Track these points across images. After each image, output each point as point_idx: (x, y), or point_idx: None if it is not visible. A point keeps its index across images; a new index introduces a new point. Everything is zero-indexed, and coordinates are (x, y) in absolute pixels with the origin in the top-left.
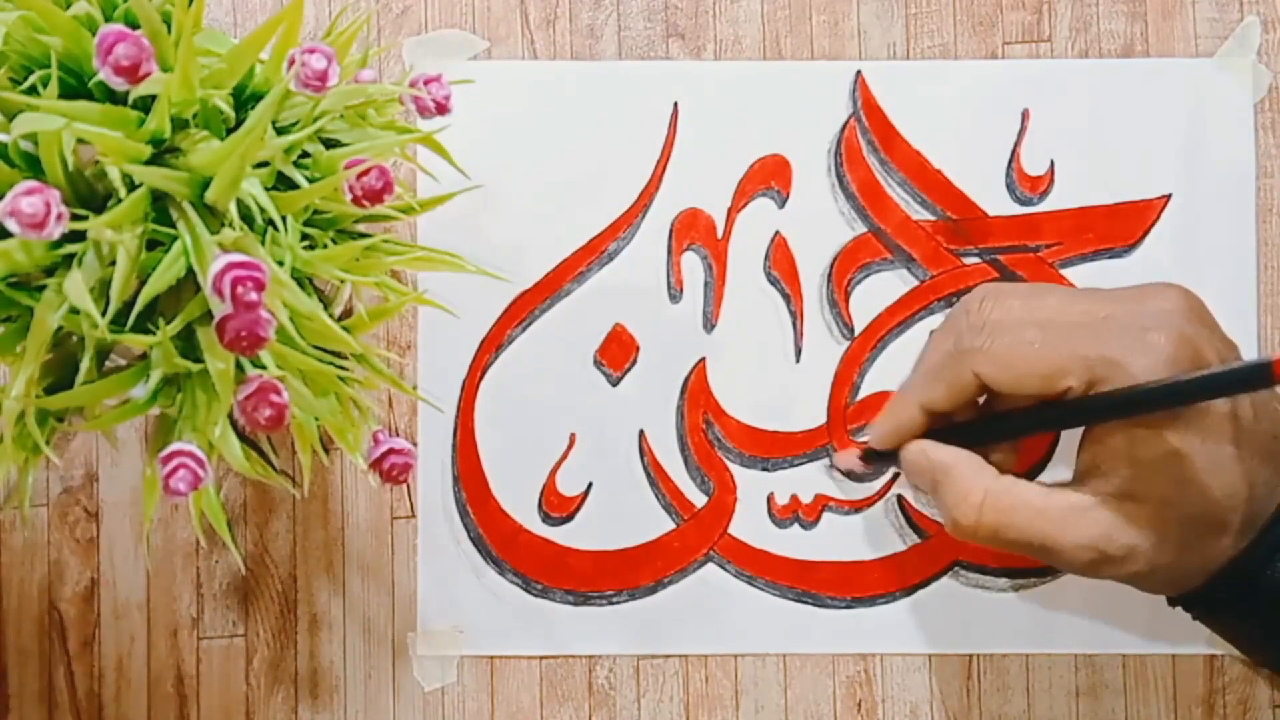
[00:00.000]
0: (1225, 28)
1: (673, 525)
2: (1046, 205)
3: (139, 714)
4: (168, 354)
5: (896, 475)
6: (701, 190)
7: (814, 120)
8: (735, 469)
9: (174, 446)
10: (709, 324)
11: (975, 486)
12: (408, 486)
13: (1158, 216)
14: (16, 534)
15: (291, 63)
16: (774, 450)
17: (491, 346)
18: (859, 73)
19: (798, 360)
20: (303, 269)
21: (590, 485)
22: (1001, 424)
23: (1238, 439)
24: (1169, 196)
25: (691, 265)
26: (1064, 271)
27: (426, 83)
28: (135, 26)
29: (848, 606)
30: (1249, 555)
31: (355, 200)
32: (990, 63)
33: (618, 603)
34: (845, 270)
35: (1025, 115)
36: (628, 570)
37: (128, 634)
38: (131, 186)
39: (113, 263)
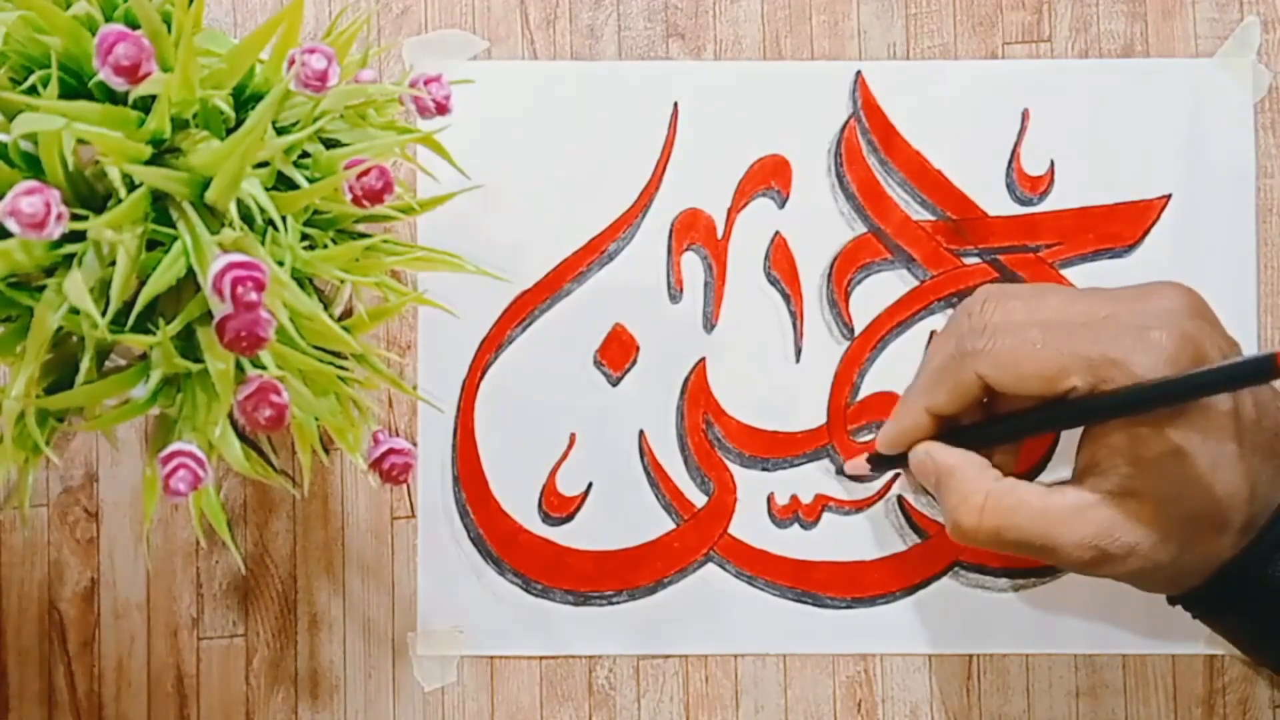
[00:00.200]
0: (1225, 28)
1: (673, 525)
2: (1046, 205)
3: (139, 714)
4: (168, 354)
5: (896, 475)
6: (701, 190)
7: (814, 120)
8: (735, 469)
9: (174, 446)
10: (709, 324)
11: (977, 489)
12: (408, 487)
13: (1158, 216)
14: (16, 534)
15: (291, 63)
16: (774, 450)
17: (491, 346)
18: (859, 73)
19: (798, 360)
20: (303, 269)
21: (590, 485)
22: (1005, 425)
23: (1239, 437)
24: (1169, 196)
25: (691, 265)
26: (1064, 271)
27: (426, 83)
28: (135, 26)
29: (848, 606)
30: (1250, 554)
31: (355, 200)
32: (990, 63)
33: (618, 603)
34: (845, 270)
35: (1025, 115)
36: (628, 570)
37: (128, 634)
38: (131, 186)
39: (113, 263)
